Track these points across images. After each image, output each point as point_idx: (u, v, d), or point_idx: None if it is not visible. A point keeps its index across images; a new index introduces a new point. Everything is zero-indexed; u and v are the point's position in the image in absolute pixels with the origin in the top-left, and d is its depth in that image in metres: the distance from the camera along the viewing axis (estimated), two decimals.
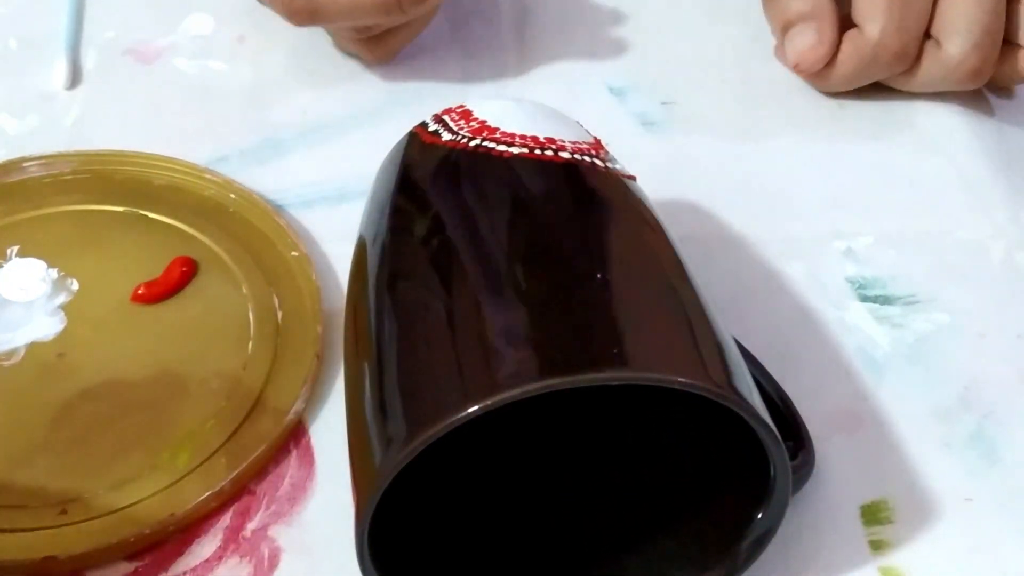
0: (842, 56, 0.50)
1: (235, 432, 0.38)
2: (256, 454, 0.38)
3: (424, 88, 0.52)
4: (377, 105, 0.52)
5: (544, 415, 0.35)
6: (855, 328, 0.43)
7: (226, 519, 0.37)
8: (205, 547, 0.36)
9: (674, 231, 0.36)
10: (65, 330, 0.41)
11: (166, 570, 0.36)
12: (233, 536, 0.37)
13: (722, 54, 0.55)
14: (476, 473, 0.37)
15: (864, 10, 0.49)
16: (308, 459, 0.39)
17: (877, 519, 0.37)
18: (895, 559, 0.36)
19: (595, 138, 0.39)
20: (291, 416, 0.39)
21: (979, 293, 0.44)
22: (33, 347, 0.41)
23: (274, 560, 0.36)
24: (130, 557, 0.36)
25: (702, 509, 0.35)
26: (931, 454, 0.39)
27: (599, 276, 0.32)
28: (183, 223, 0.45)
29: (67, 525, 0.36)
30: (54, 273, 0.43)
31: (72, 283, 0.43)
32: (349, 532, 0.30)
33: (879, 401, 0.41)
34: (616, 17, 0.56)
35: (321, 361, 0.41)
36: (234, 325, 0.42)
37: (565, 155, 0.36)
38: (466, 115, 0.38)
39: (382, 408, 0.31)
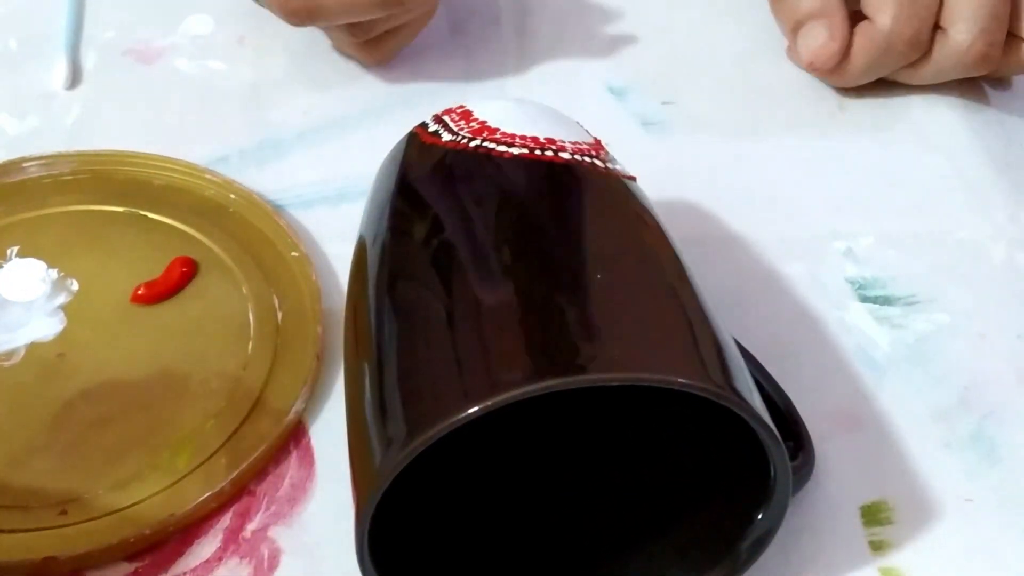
0: (855, 50, 0.50)
1: (235, 432, 0.38)
2: (256, 454, 0.38)
3: (424, 88, 0.52)
4: (377, 105, 0.52)
5: (544, 415, 0.35)
6: (855, 328, 0.43)
7: (226, 520, 0.37)
8: (205, 548, 0.36)
9: (674, 231, 0.36)
10: (65, 330, 0.41)
11: (166, 571, 0.36)
12: (233, 537, 0.37)
13: (722, 54, 0.55)
14: (476, 473, 0.37)
15: (874, 1, 0.49)
16: (308, 459, 0.39)
17: (877, 520, 0.37)
18: (895, 560, 0.36)
19: (595, 139, 0.39)
20: (291, 416, 0.39)
21: (979, 293, 0.44)
22: (33, 347, 0.41)
23: (274, 561, 0.36)
24: (130, 558, 0.36)
25: (702, 510, 0.35)
26: (931, 454, 0.39)
27: (599, 277, 0.32)
28: (183, 223, 0.45)
29: (67, 526, 0.36)
30: (54, 273, 0.43)
31: (72, 283, 0.43)
32: (349, 532, 0.30)
33: (879, 402, 0.41)
34: (616, 17, 0.56)
35: (321, 361, 0.41)
36: (234, 325, 0.42)
37: (565, 156, 0.36)
38: (466, 115, 0.38)
39: (382, 408, 0.31)
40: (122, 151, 0.48)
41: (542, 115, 0.39)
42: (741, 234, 0.46)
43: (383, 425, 0.30)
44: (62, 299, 0.42)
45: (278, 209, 0.46)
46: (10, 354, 0.41)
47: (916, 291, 0.44)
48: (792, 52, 0.53)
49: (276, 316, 0.42)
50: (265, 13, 0.51)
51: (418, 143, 0.38)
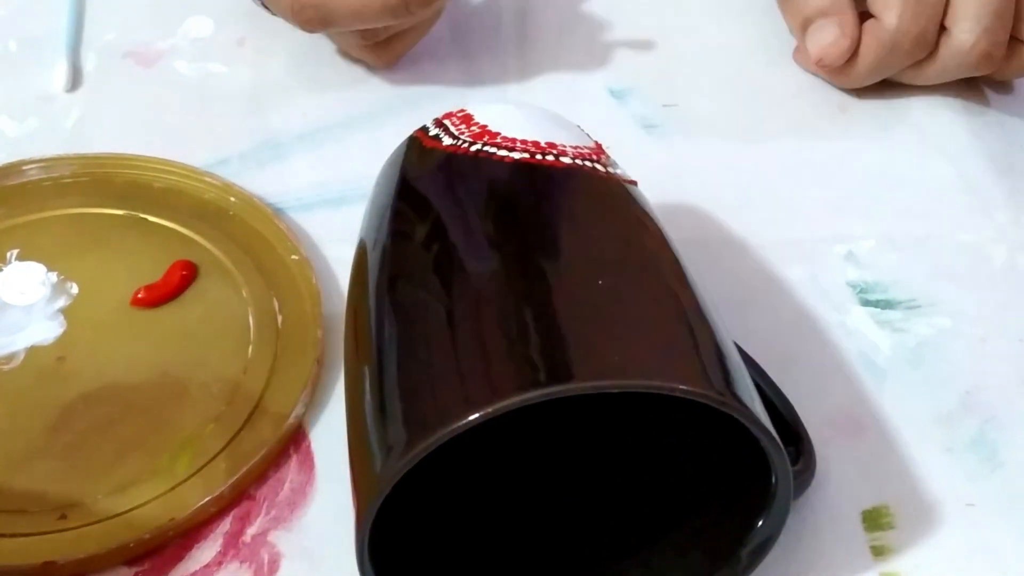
0: (863, 48, 0.50)
1: (235, 436, 0.38)
2: (256, 459, 0.38)
3: (425, 92, 0.52)
4: (378, 108, 0.52)
5: (546, 420, 0.35)
6: (856, 332, 0.43)
7: (226, 524, 0.37)
8: (205, 552, 0.36)
9: (674, 234, 0.36)
10: (65, 334, 0.41)
11: (166, 575, 0.36)
12: (233, 541, 0.37)
13: (722, 56, 0.55)
14: (477, 477, 0.37)
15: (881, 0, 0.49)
16: (308, 464, 0.39)
17: (879, 524, 0.37)
18: (897, 564, 0.36)
19: (596, 142, 0.38)
20: (291, 420, 0.39)
21: (980, 297, 0.44)
22: (33, 351, 0.41)
23: (274, 565, 0.36)
24: (130, 562, 0.36)
25: (703, 515, 0.35)
26: (932, 459, 0.39)
27: (600, 282, 0.32)
28: (183, 226, 0.45)
29: (67, 530, 0.36)
30: (54, 276, 0.43)
31: (72, 287, 0.43)
32: (349, 537, 0.30)
33: (880, 406, 0.41)
34: (616, 20, 0.56)
35: (321, 365, 0.41)
36: (234, 329, 0.42)
37: (566, 160, 0.36)
38: (467, 119, 0.38)
39: (383, 414, 0.31)
40: (122, 154, 0.48)
41: (543, 119, 0.38)
42: (742, 237, 0.46)
43: (384, 431, 0.30)
44: (62, 302, 0.42)
45: (278, 212, 0.46)
46: (10, 358, 0.41)
47: (917, 295, 0.44)
48: (799, 53, 0.53)
49: (276, 320, 0.42)
50: (265, 15, 0.51)
51: (419, 147, 0.38)
